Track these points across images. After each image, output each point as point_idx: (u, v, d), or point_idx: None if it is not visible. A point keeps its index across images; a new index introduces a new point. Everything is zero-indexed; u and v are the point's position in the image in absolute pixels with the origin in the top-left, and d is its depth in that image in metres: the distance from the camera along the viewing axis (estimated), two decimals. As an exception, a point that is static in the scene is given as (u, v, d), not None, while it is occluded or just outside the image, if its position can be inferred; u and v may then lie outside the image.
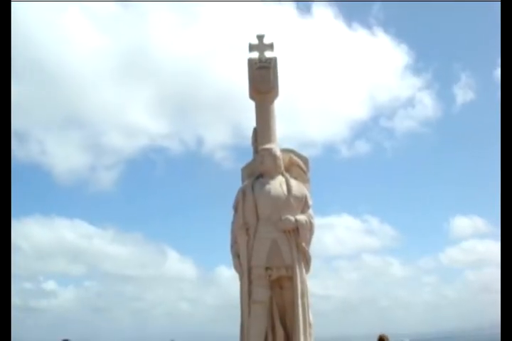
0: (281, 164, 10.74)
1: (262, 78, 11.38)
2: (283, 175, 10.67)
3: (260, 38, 11.82)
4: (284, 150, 11.01)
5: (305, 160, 11.19)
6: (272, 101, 11.45)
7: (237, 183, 11.03)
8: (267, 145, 10.79)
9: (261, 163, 10.69)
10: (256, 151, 11.10)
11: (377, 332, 14.02)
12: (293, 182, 10.54)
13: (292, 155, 11.06)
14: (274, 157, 10.63)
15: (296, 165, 11.01)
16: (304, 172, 11.05)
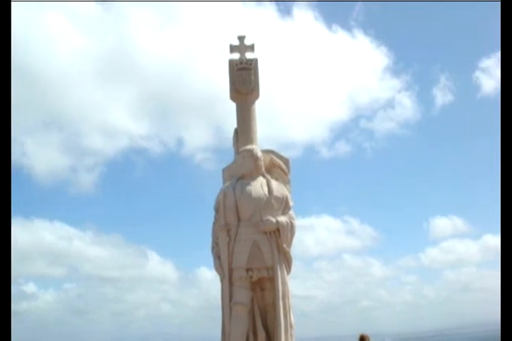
0: (262, 165, 10.73)
1: (243, 79, 11.40)
2: (264, 176, 10.67)
3: (241, 39, 11.84)
4: (265, 151, 11.00)
5: (286, 161, 11.18)
6: (252, 103, 11.47)
7: (218, 184, 11.02)
8: (248, 147, 10.79)
9: (242, 164, 10.67)
10: (237, 152, 11.10)
11: (359, 332, 14.11)
12: (274, 184, 10.54)
13: (273, 156, 11.05)
14: (255, 158, 10.62)
15: (277, 166, 11.00)
16: (285, 173, 11.05)
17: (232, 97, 11.54)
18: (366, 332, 14.07)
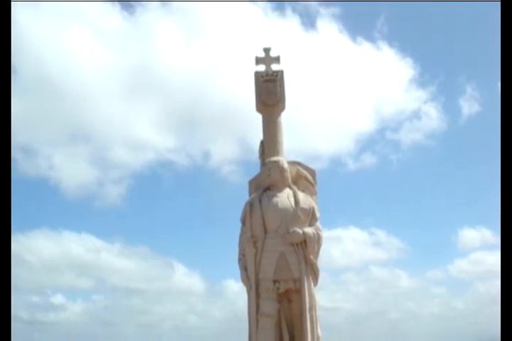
0: (289, 176, 10.73)
1: (269, 91, 11.41)
2: (290, 187, 10.67)
3: (267, 50, 11.88)
4: (291, 163, 11.00)
5: (312, 172, 11.17)
6: (278, 114, 11.48)
7: (244, 197, 11.00)
8: (274, 158, 10.79)
9: (268, 176, 10.68)
10: (263, 164, 11.10)
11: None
12: (300, 195, 10.52)
13: (299, 168, 11.05)
14: (282, 169, 10.62)
15: (304, 178, 10.99)
16: (312, 184, 11.02)
17: (258, 109, 11.55)
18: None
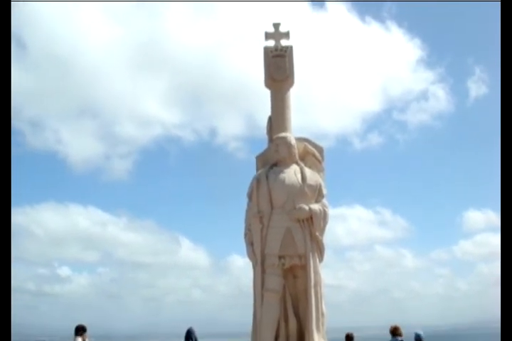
0: (296, 153, 10.69)
1: (278, 66, 11.33)
2: (298, 163, 10.64)
3: (276, 26, 11.76)
4: (299, 139, 10.95)
5: (320, 149, 11.13)
6: (287, 90, 11.41)
7: (250, 174, 10.97)
8: (282, 134, 10.74)
9: (276, 152, 10.65)
10: (271, 140, 11.05)
11: (390, 323, 14.02)
12: (307, 171, 10.50)
13: (307, 144, 11.01)
14: (289, 145, 10.58)
15: (311, 154, 10.96)
16: (319, 161, 10.99)
17: (267, 84, 11.48)
18: (398, 323, 13.99)
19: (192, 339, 14.39)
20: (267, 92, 11.58)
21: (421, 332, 14.47)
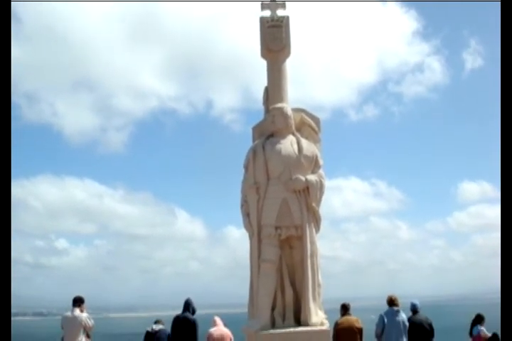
0: (293, 123, 10.63)
1: (274, 36, 11.20)
2: (294, 134, 10.58)
3: (272, -4, 11.61)
4: (296, 110, 10.88)
5: (316, 120, 11.07)
6: (283, 60, 11.30)
7: (247, 145, 10.92)
8: (278, 105, 10.67)
9: (272, 122, 10.58)
10: (267, 111, 10.98)
11: (386, 294, 14.17)
12: (304, 142, 10.45)
13: (304, 115, 10.94)
14: (286, 116, 10.51)
15: (308, 125, 10.90)
16: (316, 132, 10.94)
17: (263, 55, 11.36)
18: (394, 293, 14.14)
19: (190, 310, 14.51)
20: (263, 64, 11.45)
21: (417, 302, 14.63)
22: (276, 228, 10.05)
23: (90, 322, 13.41)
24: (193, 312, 14.49)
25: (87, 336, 13.47)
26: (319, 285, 10.22)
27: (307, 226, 10.06)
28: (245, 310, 10.45)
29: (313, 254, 10.11)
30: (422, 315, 14.37)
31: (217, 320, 14.69)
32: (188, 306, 14.56)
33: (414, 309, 14.49)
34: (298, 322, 10.03)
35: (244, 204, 10.41)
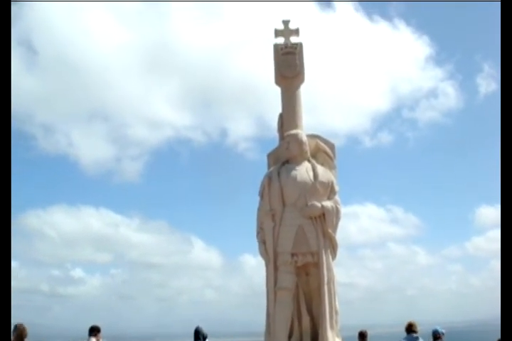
0: (308, 150, 10.64)
1: (288, 63, 11.29)
2: (309, 161, 10.59)
3: (286, 23, 11.72)
4: (310, 136, 10.90)
5: (331, 145, 11.07)
6: (297, 87, 11.35)
7: (261, 174, 10.92)
8: (293, 131, 10.69)
9: (287, 149, 10.59)
10: (282, 138, 11.01)
11: (404, 321, 13.92)
12: (319, 168, 10.44)
13: (319, 141, 10.95)
14: (300, 142, 10.53)
15: (323, 151, 10.91)
16: (331, 158, 10.94)
17: (277, 82, 11.42)
18: (413, 319, 13.89)
19: (200, 338, 14.37)
20: (277, 92, 11.52)
21: (438, 328, 14.04)
22: (293, 255, 9.99)
23: (106, 352, 13.31)
24: (204, 339, 14.35)
25: (104, 365, 13.37)
26: (336, 312, 10.13)
27: (323, 252, 9.99)
28: (262, 338, 10.37)
29: (330, 281, 10.02)
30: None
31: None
32: (197, 334, 14.42)
33: (436, 335, 14.12)
34: (316, 350, 9.92)
35: (260, 231, 10.39)
